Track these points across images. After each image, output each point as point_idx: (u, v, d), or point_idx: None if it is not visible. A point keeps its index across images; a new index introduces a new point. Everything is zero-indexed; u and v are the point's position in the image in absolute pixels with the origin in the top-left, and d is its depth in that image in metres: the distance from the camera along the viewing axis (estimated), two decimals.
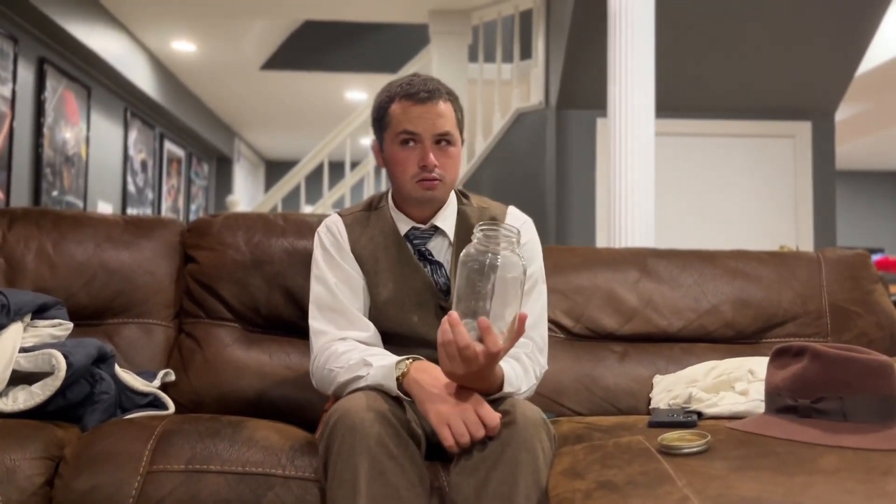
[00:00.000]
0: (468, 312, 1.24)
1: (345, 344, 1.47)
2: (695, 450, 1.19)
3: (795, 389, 1.28)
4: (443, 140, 1.50)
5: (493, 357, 1.25)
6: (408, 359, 1.36)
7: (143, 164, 6.69)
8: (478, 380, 1.30)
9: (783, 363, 1.35)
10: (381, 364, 1.37)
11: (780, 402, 1.31)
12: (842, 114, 5.87)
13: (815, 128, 4.62)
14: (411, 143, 1.49)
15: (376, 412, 1.26)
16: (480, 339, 1.23)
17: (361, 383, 1.38)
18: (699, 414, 1.56)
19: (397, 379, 1.34)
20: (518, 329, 1.25)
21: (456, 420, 1.26)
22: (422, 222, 1.58)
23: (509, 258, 1.25)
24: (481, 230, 1.27)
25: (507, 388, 1.37)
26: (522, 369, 1.46)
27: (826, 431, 1.21)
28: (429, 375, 1.32)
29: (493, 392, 1.35)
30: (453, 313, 1.24)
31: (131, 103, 6.40)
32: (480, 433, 1.26)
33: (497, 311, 1.24)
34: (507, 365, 1.39)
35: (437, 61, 5.34)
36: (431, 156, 1.48)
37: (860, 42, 4.21)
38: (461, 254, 1.28)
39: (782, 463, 1.12)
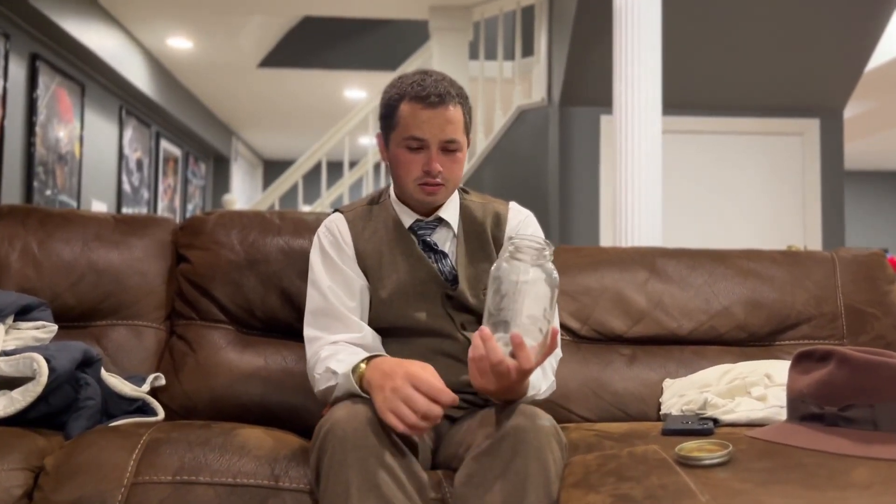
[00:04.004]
0: (499, 326, 1.22)
1: (330, 348, 1.43)
2: (716, 461, 1.13)
3: (821, 396, 1.22)
4: (449, 146, 1.47)
5: (526, 373, 1.22)
6: (362, 361, 1.32)
7: (139, 163, 6.63)
8: (508, 391, 1.27)
9: (806, 368, 1.29)
10: (343, 372, 1.33)
11: (805, 409, 1.25)
12: (846, 113, 5.81)
13: (824, 125, 4.60)
14: (417, 148, 1.46)
15: (368, 420, 1.22)
16: (512, 354, 1.21)
17: (338, 393, 1.35)
18: (715, 421, 1.51)
19: (359, 385, 1.30)
20: (550, 344, 1.23)
21: (394, 403, 1.21)
22: (425, 215, 1.56)
23: (541, 272, 1.23)
24: (513, 244, 1.25)
25: (530, 392, 1.36)
26: (539, 368, 1.42)
27: (856, 441, 1.15)
28: (378, 371, 1.28)
29: (520, 398, 1.33)
30: (485, 328, 1.22)
31: (126, 101, 6.34)
32: (422, 406, 1.20)
33: (528, 325, 1.21)
34: None
35: (437, 58, 5.29)
36: (436, 163, 1.45)
37: (869, 39, 4.18)
38: (492, 268, 1.26)
39: (811, 476, 1.05)
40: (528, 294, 1.21)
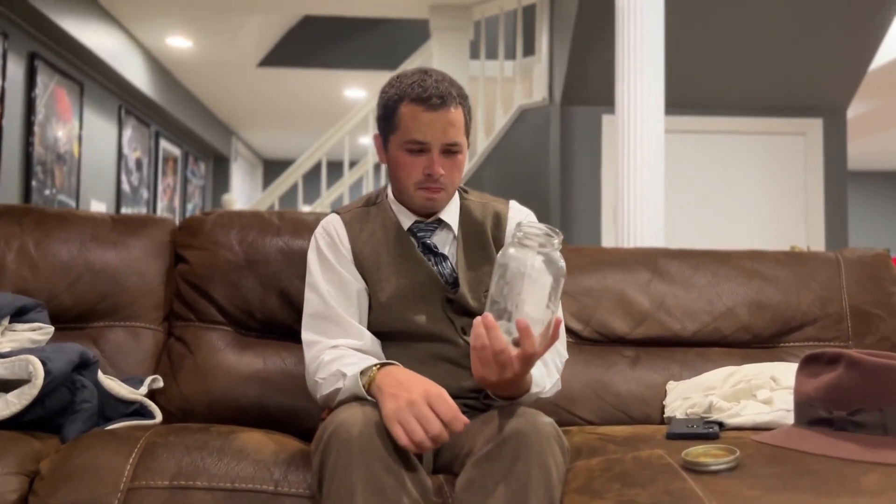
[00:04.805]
0: (503, 314, 1.19)
1: (332, 352, 1.40)
2: (723, 467, 1.11)
3: (830, 400, 1.20)
4: (451, 148, 1.44)
5: (529, 361, 1.20)
6: (375, 365, 1.30)
7: (139, 163, 6.61)
8: (510, 385, 1.24)
9: (814, 371, 1.26)
10: (352, 374, 1.31)
11: (813, 413, 1.22)
12: (848, 112, 5.80)
13: (827, 125, 4.57)
14: (418, 151, 1.44)
15: (373, 424, 1.20)
16: (515, 342, 1.18)
17: (342, 396, 1.33)
18: (720, 424, 1.48)
19: (366, 388, 1.28)
20: (553, 333, 1.20)
21: (405, 416, 1.18)
22: (424, 216, 1.53)
23: (547, 260, 1.21)
24: (521, 230, 1.23)
25: (533, 389, 1.33)
26: (544, 366, 1.41)
27: (866, 446, 1.13)
28: (391, 377, 1.25)
29: (523, 395, 1.30)
30: (488, 315, 1.18)
31: (126, 100, 6.31)
32: (436, 429, 1.18)
33: (532, 314, 1.18)
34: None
35: (437, 58, 5.27)
36: (438, 166, 1.43)
37: (872, 38, 4.16)
38: (498, 254, 1.24)
39: (821, 482, 1.03)
40: (533, 282, 1.18)
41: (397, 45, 6.46)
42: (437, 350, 1.46)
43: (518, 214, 1.58)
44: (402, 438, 1.17)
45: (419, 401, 1.19)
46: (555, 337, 1.21)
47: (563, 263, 1.22)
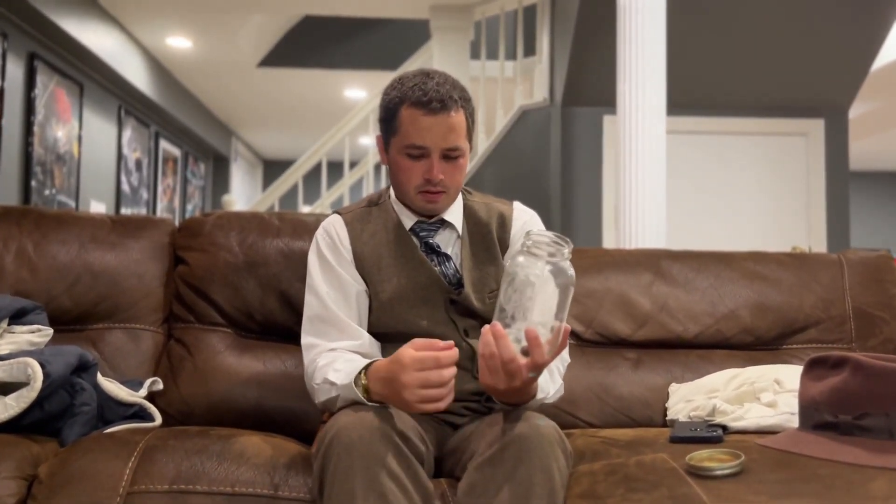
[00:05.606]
0: (511, 323, 1.19)
1: (327, 356, 1.40)
2: (727, 472, 1.11)
3: (835, 404, 1.19)
4: (451, 153, 1.43)
5: (538, 370, 1.19)
6: (361, 372, 1.29)
7: (138, 163, 6.60)
8: (517, 392, 1.24)
9: (819, 375, 1.25)
10: (343, 384, 1.30)
11: (818, 417, 1.21)
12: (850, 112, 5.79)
13: (829, 126, 4.57)
14: (418, 156, 1.43)
15: (374, 428, 1.19)
16: (524, 351, 1.18)
17: (342, 403, 1.32)
18: (724, 427, 1.47)
19: (366, 397, 1.27)
20: (561, 342, 1.20)
21: (417, 395, 1.19)
22: (427, 216, 1.52)
23: (556, 269, 1.20)
24: (531, 238, 1.22)
25: (539, 395, 1.32)
26: (548, 372, 1.39)
27: (872, 451, 1.12)
28: (379, 382, 1.25)
29: (528, 401, 1.30)
30: (497, 324, 1.18)
31: (125, 101, 6.31)
32: (439, 379, 1.19)
33: (541, 322, 1.18)
34: None
35: (438, 58, 5.26)
36: (437, 171, 1.42)
37: (874, 38, 4.16)
38: (507, 262, 1.24)
39: (828, 488, 1.02)
40: (542, 291, 1.18)
41: (397, 45, 6.45)
42: None
43: (522, 215, 1.56)
44: (438, 407, 1.19)
45: (409, 379, 1.19)
46: (563, 346, 1.20)
47: (572, 272, 1.21)
